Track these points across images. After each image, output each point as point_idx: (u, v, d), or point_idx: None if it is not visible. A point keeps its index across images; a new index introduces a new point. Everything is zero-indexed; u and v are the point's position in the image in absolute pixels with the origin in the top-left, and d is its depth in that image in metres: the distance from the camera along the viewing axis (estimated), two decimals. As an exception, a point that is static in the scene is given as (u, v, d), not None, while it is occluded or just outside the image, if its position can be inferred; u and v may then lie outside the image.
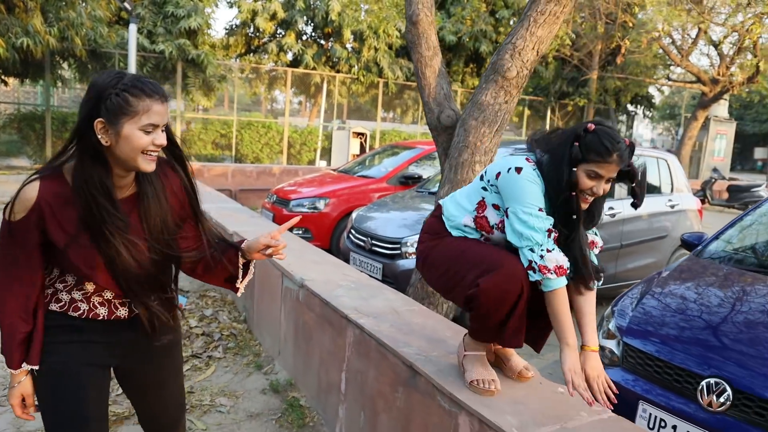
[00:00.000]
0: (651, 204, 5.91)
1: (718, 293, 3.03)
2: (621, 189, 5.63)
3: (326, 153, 16.92)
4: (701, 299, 2.97)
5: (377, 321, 2.66)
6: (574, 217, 1.82)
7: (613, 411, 2.02)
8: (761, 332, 2.58)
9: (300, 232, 7.15)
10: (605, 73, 17.66)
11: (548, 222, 1.80)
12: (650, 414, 2.56)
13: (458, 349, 2.20)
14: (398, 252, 4.92)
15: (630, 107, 23.20)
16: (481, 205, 1.97)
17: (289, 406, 3.14)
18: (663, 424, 2.50)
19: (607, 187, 1.80)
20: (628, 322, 2.91)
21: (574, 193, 1.78)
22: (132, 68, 7.20)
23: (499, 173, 1.89)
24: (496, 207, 1.94)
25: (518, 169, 1.83)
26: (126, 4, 7.22)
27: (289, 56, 17.05)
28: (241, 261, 1.77)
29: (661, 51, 14.73)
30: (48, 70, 13.29)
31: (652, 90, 21.84)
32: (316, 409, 3.09)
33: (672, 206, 6.10)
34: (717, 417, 2.36)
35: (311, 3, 16.21)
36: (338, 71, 17.04)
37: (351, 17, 15.35)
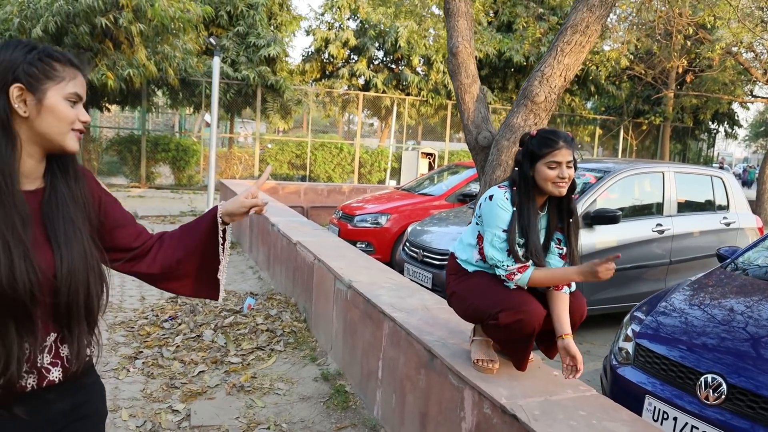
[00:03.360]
0: (703, 221, 5.96)
1: (728, 300, 3.21)
2: (669, 206, 5.75)
3: (396, 173, 17.49)
4: (711, 305, 3.17)
5: (408, 315, 3.06)
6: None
7: (620, 404, 2.31)
8: (758, 333, 2.77)
9: (363, 245, 7.64)
10: (681, 91, 17.25)
11: (506, 244, 2.18)
12: (655, 407, 2.80)
13: (469, 335, 2.56)
14: (447, 263, 5.28)
15: (712, 125, 22.38)
16: (479, 238, 2.34)
17: (336, 391, 3.57)
18: (665, 416, 2.74)
19: (572, 172, 2.15)
20: (641, 325, 3.15)
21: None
22: (215, 95, 8.02)
23: (480, 204, 2.31)
24: None
25: (491, 197, 2.24)
26: (211, 40, 8.08)
27: (361, 81, 17.84)
28: (221, 227, 1.53)
29: (740, 66, 14.28)
30: (145, 97, 14.68)
31: (735, 107, 20.98)
32: (358, 395, 3.51)
33: (727, 224, 6.11)
34: (713, 410, 2.58)
35: (381, 30, 16.95)
36: (408, 94, 17.64)
37: (419, 43, 15.93)
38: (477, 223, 2.37)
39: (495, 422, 2.13)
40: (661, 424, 2.72)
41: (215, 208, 1.56)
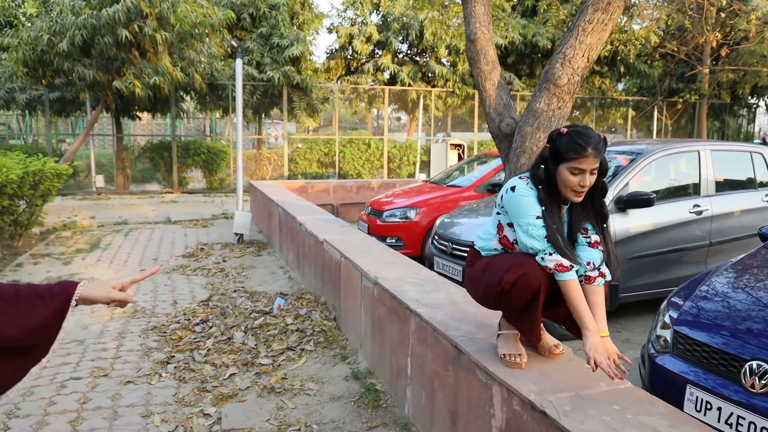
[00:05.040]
0: (744, 200, 5.71)
1: (772, 281, 3.04)
2: (707, 185, 5.52)
3: (426, 166, 17.36)
4: (752, 287, 3.00)
5: (435, 310, 2.99)
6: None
7: (660, 395, 2.21)
8: (805, 316, 2.61)
9: (393, 240, 7.59)
10: (717, 66, 16.63)
11: (543, 230, 2.09)
12: (697, 397, 2.67)
13: (496, 330, 2.49)
14: (476, 255, 5.18)
15: (752, 100, 21.56)
16: (500, 227, 2.29)
17: (367, 390, 3.53)
18: (709, 406, 2.61)
19: (593, 178, 2.05)
20: (679, 312, 3.01)
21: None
22: (239, 97, 8.06)
23: (502, 196, 2.24)
24: (510, 225, 2.24)
25: (512, 188, 2.16)
26: (233, 42, 8.12)
27: (386, 75, 17.75)
28: (71, 311, 1.25)
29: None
30: (173, 103, 14.89)
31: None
32: (389, 393, 3.46)
33: (770, 201, 5.84)
34: (760, 398, 2.44)
35: (405, 23, 16.82)
36: (434, 86, 17.47)
37: (446, 33, 15.73)
38: (498, 213, 2.30)
39: (525, 419, 2.05)
40: (705, 414, 2.59)
41: (72, 286, 1.23)
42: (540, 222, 2.09)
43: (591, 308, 2.11)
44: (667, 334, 3.02)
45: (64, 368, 3.92)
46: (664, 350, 2.98)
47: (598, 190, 2.15)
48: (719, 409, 2.56)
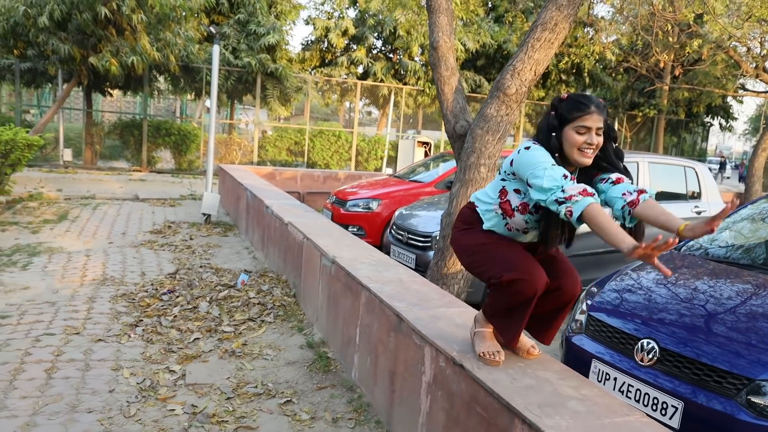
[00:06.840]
0: (675, 210, 6.26)
1: (672, 277, 3.54)
2: (642, 194, 6.06)
3: (393, 161, 17.78)
4: (654, 281, 3.50)
5: (383, 286, 3.39)
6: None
7: (573, 368, 2.64)
8: (689, 304, 3.11)
9: (354, 229, 7.97)
10: (675, 84, 17.51)
11: (561, 170, 2.04)
12: (599, 369, 3.14)
13: (470, 328, 2.57)
14: (429, 244, 5.62)
15: (706, 119, 22.64)
16: (503, 192, 2.28)
17: (319, 357, 3.92)
18: (607, 377, 3.08)
19: (600, 139, 2.10)
20: (593, 299, 3.49)
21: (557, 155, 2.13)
22: (214, 82, 8.31)
23: (512, 161, 2.22)
24: (517, 191, 2.24)
25: (527, 147, 2.17)
26: (211, 28, 8.37)
27: (360, 69, 18.10)
28: None
29: (731, 60, 14.50)
30: (146, 83, 14.94)
31: (730, 100, 21.21)
32: (339, 360, 3.86)
33: (699, 212, 6.43)
34: (646, 370, 2.92)
35: (380, 19, 17.19)
36: (405, 83, 17.89)
37: (420, 33, 16.14)
38: (503, 179, 2.29)
39: (448, 373, 2.46)
40: (604, 384, 3.06)
41: None
42: (556, 167, 2.06)
43: (661, 218, 1.98)
44: (583, 318, 3.49)
45: (38, 325, 4.19)
46: (579, 331, 3.45)
47: (610, 155, 2.15)
48: (615, 379, 3.03)
